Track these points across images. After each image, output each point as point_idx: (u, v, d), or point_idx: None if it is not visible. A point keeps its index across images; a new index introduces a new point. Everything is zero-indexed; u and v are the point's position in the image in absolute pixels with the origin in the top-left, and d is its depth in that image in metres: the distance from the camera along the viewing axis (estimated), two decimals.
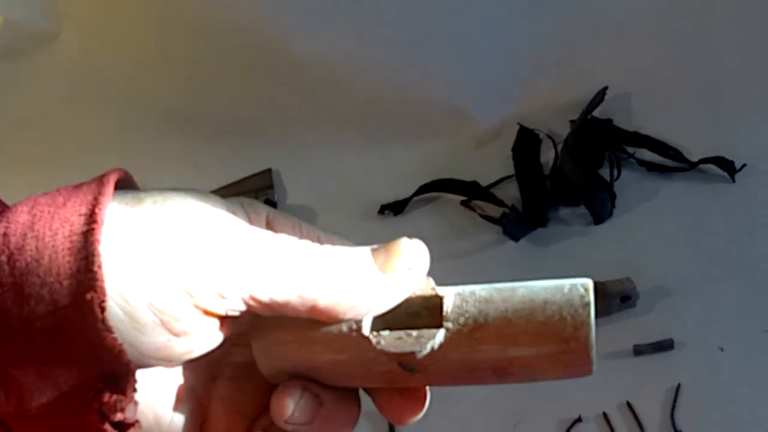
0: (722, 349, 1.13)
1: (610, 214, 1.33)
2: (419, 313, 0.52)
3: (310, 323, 0.50)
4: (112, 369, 0.44)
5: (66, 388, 0.44)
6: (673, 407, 1.08)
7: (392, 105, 1.51)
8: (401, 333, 0.50)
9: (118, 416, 0.45)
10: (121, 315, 0.44)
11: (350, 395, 0.54)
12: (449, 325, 0.49)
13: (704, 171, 1.36)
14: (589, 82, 1.45)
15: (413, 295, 0.51)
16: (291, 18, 1.53)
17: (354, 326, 0.50)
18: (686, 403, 1.08)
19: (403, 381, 0.51)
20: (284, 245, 0.48)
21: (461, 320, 0.49)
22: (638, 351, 1.14)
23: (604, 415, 1.09)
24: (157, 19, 1.61)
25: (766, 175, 1.34)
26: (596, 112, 1.43)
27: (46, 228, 0.44)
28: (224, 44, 1.58)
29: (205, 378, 0.54)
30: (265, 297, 0.47)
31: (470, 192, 1.39)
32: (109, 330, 0.43)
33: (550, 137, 1.44)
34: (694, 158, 1.37)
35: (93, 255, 0.43)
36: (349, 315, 0.49)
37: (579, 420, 1.08)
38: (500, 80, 1.51)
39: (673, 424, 1.06)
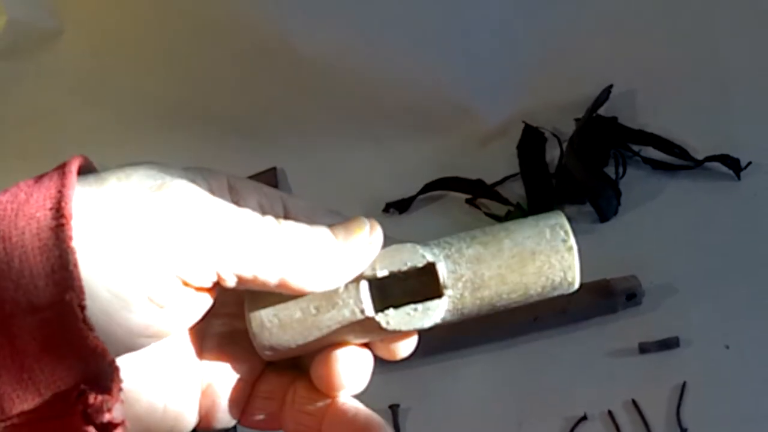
0: (728, 347, 1.13)
1: (615, 212, 1.33)
2: (415, 282, 0.53)
3: (308, 311, 0.51)
4: (96, 369, 0.43)
5: (48, 394, 0.43)
6: (679, 405, 1.07)
7: (397, 103, 1.51)
8: (407, 309, 0.52)
9: (106, 417, 0.43)
10: (108, 296, 0.43)
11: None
12: (449, 292, 0.52)
13: (710, 169, 1.36)
14: (594, 79, 1.45)
15: (405, 267, 0.52)
16: (295, 16, 1.53)
17: (357, 309, 0.52)
18: (692, 401, 1.08)
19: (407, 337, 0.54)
20: (248, 220, 0.49)
21: (459, 285, 0.52)
22: (644, 349, 1.13)
23: (610, 413, 1.08)
24: (161, 18, 1.61)
25: None
26: (601, 110, 1.43)
27: (12, 227, 0.43)
28: (229, 43, 1.58)
29: (191, 355, 0.54)
30: (232, 271, 0.47)
31: (475, 190, 1.39)
32: (91, 329, 0.42)
33: (555, 135, 1.44)
34: (700, 156, 1.37)
35: (67, 253, 0.42)
36: (319, 287, 0.50)
37: (584, 418, 1.08)
38: (505, 78, 1.51)
39: (679, 422, 1.06)
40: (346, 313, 0.52)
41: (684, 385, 1.09)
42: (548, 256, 0.52)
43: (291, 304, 0.52)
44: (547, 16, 1.49)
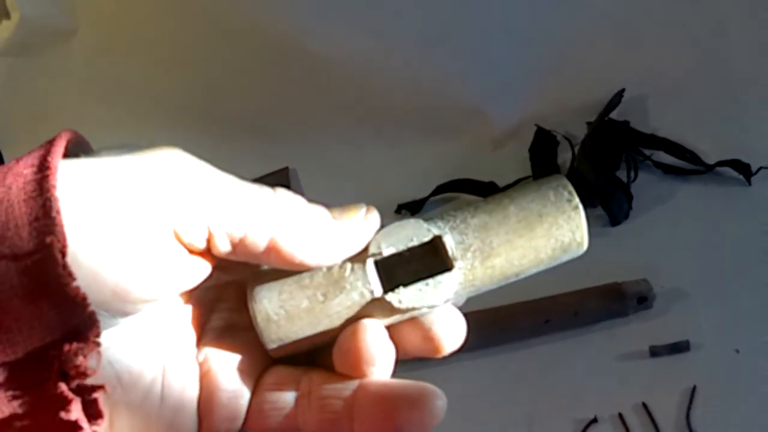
0: (738, 351, 1.13)
1: (626, 216, 1.34)
2: (422, 260, 0.51)
3: (315, 298, 0.50)
4: (76, 322, 0.43)
5: (21, 353, 0.42)
6: (689, 408, 1.08)
7: (410, 105, 1.52)
8: (418, 285, 0.50)
9: (80, 361, 0.42)
10: (96, 232, 0.43)
11: None
12: (459, 263, 0.50)
13: (720, 174, 1.37)
14: (607, 83, 1.46)
15: (411, 242, 0.51)
16: (308, 17, 1.53)
17: (365, 291, 0.50)
18: (702, 405, 1.08)
19: (418, 314, 0.52)
20: (239, 180, 0.48)
21: (468, 255, 0.50)
22: (654, 352, 1.14)
23: (620, 415, 1.09)
24: (174, 17, 1.62)
25: None
26: (613, 114, 1.44)
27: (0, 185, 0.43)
28: (241, 42, 1.58)
29: (189, 346, 0.52)
30: (223, 229, 0.47)
31: (487, 192, 1.40)
32: (71, 275, 0.42)
33: (567, 138, 1.45)
34: (711, 161, 1.38)
35: (50, 200, 0.42)
36: (311, 257, 0.49)
37: (595, 420, 1.09)
38: (517, 81, 1.52)
39: (689, 426, 1.06)
40: (355, 296, 0.50)
41: (694, 388, 1.09)
42: (555, 217, 0.51)
43: (297, 293, 0.50)
44: (560, 21, 1.50)
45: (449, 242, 0.50)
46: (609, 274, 1.20)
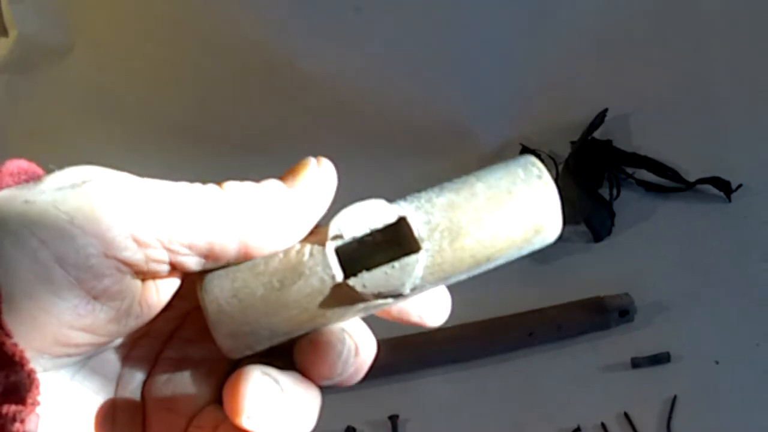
0: (717, 362, 1.16)
1: (609, 232, 1.36)
2: (387, 240, 0.47)
3: (271, 285, 0.45)
4: (14, 382, 0.39)
5: None
6: (670, 418, 1.10)
7: (397, 125, 1.55)
8: (383, 268, 0.45)
9: (16, 427, 0.39)
10: (32, 278, 0.40)
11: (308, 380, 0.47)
12: (426, 244, 0.46)
13: (701, 191, 1.40)
14: (590, 104, 1.49)
15: (374, 224, 0.46)
16: (299, 37, 1.55)
17: (326, 276, 0.45)
18: (682, 415, 1.10)
19: (384, 307, 0.48)
20: (194, 188, 0.44)
21: (436, 236, 0.46)
22: (636, 364, 1.16)
23: (603, 425, 1.11)
24: (168, 36, 1.63)
25: (761, 196, 1.38)
26: (596, 133, 1.47)
27: None
28: (234, 61, 1.60)
29: (138, 379, 0.50)
30: (185, 240, 0.43)
31: None
32: (8, 335, 0.39)
33: (551, 157, 1.47)
34: (692, 178, 1.41)
35: None
36: (278, 239, 0.45)
37: (578, 430, 1.11)
38: (502, 101, 1.55)
39: None
40: (315, 282, 0.45)
41: (674, 398, 1.12)
42: (526, 194, 0.46)
43: (251, 280, 0.45)
44: (544, 43, 1.53)
45: (415, 223, 0.46)
46: (592, 288, 1.22)
